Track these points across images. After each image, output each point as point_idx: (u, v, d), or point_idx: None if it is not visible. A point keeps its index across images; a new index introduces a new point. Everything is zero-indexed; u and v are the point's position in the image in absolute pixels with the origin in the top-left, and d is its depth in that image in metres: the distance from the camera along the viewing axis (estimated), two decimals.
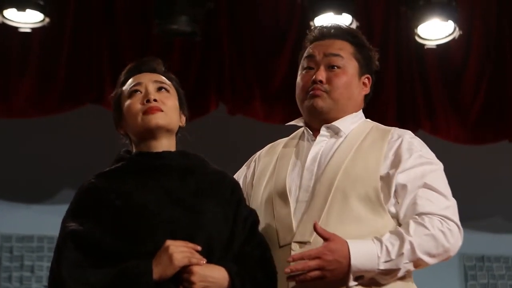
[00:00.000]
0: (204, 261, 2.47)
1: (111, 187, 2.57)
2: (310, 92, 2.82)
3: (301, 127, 2.92)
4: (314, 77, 2.81)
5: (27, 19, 5.65)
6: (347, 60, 2.85)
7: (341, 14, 5.67)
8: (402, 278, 2.64)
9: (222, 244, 2.56)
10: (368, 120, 2.93)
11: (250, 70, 6.03)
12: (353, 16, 5.70)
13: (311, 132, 2.86)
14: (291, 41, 5.91)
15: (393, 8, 6.05)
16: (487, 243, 7.17)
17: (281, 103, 5.83)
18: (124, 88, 2.72)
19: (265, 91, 5.97)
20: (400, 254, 2.55)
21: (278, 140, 2.99)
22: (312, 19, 5.65)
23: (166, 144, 2.66)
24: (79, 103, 5.96)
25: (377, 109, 5.93)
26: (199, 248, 2.47)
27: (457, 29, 5.79)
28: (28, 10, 5.57)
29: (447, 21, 5.74)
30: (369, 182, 2.67)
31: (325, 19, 5.64)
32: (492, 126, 6.23)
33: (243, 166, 3.02)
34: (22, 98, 5.87)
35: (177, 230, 2.49)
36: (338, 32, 2.90)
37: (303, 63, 2.89)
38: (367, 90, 2.92)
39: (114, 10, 5.93)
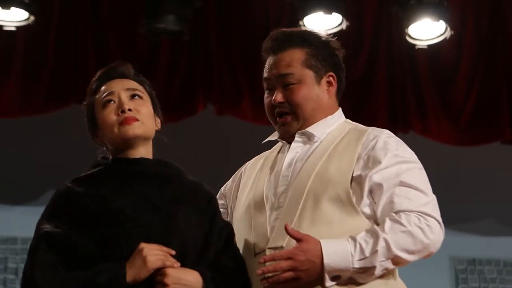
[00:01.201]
0: (178, 264, 2.49)
1: (88, 192, 2.56)
2: (278, 119, 2.83)
3: (277, 141, 2.93)
4: (273, 100, 2.82)
5: (11, 18, 5.59)
6: (299, 73, 2.82)
7: (331, 13, 5.65)
8: (383, 276, 2.60)
9: (196, 251, 2.57)
10: (347, 121, 2.91)
11: (239, 70, 5.99)
12: (343, 16, 5.68)
13: (286, 142, 2.88)
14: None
15: (384, 8, 6.01)
16: (479, 245, 7.14)
17: None
18: (96, 97, 2.70)
19: (253, 92, 5.91)
20: (374, 251, 2.53)
21: (263, 153, 3.00)
22: (302, 19, 5.63)
23: (143, 151, 2.66)
24: (64, 103, 5.90)
25: (367, 110, 5.92)
26: (173, 252, 2.49)
27: (448, 29, 5.76)
28: (12, 8, 5.51)
29: (438, 21, 5.71)
30: (340, 184, 2.65)
31: (315, 19, 5.64)
32: (483, 127, 6.20)
33: (230, 179, 3.04)
34: (7, 98, 5.82)
35: (152, 235, 2.50)
36: (287, 42, 2.86)
37: (263, 83, 2.90)
38: (333, 88, 2.89)
39: (101, 8, 5.89)
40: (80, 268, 2.44)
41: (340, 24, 5.67)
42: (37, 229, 2.54)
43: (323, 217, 2.62)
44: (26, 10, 5.53)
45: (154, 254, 2.45)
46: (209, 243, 2.60)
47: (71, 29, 5.82)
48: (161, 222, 2.52)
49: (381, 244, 2.52)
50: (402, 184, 2.63)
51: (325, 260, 2.51)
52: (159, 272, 2.46)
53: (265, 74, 2.87)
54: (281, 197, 2.73)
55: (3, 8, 5.48)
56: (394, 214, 2.58)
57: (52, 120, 6.18)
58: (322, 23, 5.65)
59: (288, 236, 2.58)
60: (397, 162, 2.67)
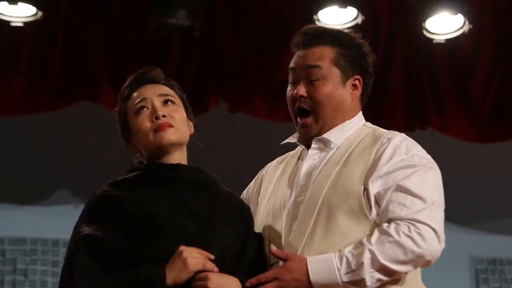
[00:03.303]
0: (217, 269, 2.50)
1: (125, 195, 2.59)
2: (299, 120, 2.78)
3: (296, 144, 2.87)
4: (295, 93, 2.77)
5: (19, 13, 5.56)
6: (326, 69, 2.76)
7: (346, 7, 5.59)
8: (402, 282, 2.57)
9: (233, 258, 2.59)
10: (367, 124, 2.83)
11: (251, 67, 5.92)
12: (358, 10, 5.61)
13: (305, 147, 2.83)
14: (294, 36, 5.75)
15: (400, 1, 5.92)
16: (499, 245, 7.07)
17: (283, 101, 5.62)
18: (129, 103, 2.72)
19: (266, 88, 5.86)
20: (360, 263, 2.51)
21: (284, 156, 2.94)
22: (316, 13, 5.58)
23: (178, 157, 2.68)
24: (73, 100, 5.87)
25: (384, 106, 5.83)
26: (212, 257, 2.51)
27: (466, 22, 5.68)
28: (20, 4, 5.47)
29: (456, 14, 5.63)
30: (353, 194, 2.61)
31: (330, 13, 5.57)
32: (503, 124, 6.13)
33: (252, 182, 2.99)
34: (14, 95, 5.78)
35: (191, 239, 2.52)
36: (318, 38, 2.81)
37: (289, 75, 2.85)
38: (358, 92, 2.81)
39: (110, 3, 5.82)
40: (119, 271, 2.46)
41: (356, 18, 5.61)
42: (75, 231, 2.56)
43: (337, 228, 2.59)
44: (33, 5, 5.48)
45: (194, 257, 2.46)
46: (245, 251, 2.62)
47: (80, 24, 5.77)
48: (199, 226, 2.54)
49: (366, 256, 2.49)
50: (400, 189, 2.57)
51: (311, 277, 2.52)
52: (200, 276, 2.47)
53: (291, 65, 2.82)
54: (298, 207, 2.69)
55: (10, 3, 5.44)
56: (385, 224, 2.54)
57: (61, 118, 6.13)
58: (337, 17, 5.60)
59: (302, 245, 2.59)
60: (400, 167, 2.60)
